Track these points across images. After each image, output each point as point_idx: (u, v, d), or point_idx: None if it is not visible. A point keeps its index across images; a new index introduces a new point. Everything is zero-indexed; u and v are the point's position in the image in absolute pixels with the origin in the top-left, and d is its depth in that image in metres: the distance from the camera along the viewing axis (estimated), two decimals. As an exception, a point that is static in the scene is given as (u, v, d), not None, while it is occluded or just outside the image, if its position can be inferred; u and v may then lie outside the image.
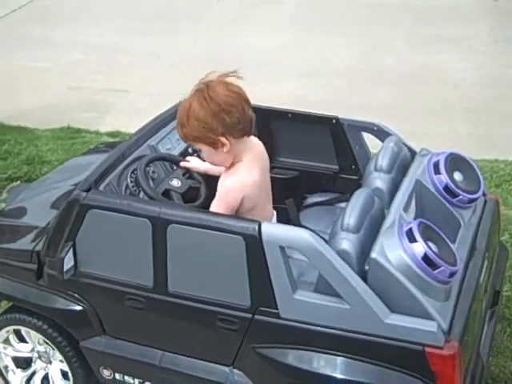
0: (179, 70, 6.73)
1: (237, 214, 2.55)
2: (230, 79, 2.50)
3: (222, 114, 2.44)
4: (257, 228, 2.35)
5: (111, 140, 5.16)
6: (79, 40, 7.59)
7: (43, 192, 3.35)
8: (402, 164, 2.81)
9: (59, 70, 6.93)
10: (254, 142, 2.69)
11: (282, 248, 2.35)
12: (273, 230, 2.37)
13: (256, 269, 2.38)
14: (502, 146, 5.02)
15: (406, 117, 5.27)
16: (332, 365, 2.39)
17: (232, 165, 2.55)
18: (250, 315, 2.46)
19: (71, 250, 2.64)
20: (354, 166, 3.17)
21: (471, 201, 2.71)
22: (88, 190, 2.61)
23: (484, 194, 2.90)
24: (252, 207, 2.57)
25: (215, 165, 2.63)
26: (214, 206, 2.55)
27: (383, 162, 2.73)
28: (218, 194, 2.56)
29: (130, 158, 2.87)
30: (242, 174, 2.52)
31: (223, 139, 2.47)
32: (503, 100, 5.84)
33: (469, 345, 2.43)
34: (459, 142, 4.73)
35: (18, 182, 4.66)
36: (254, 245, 2.36)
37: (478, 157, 4.68)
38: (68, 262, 2.64)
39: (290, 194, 3.18)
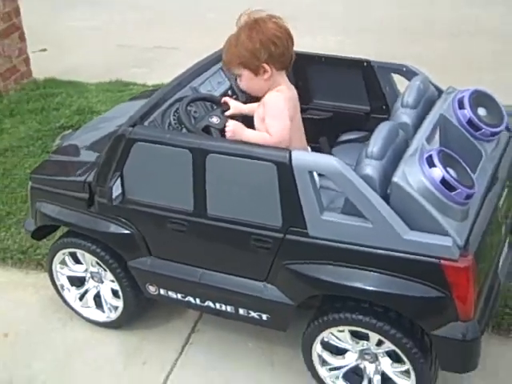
0: (227, 27, 6.94)
1: None
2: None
3: (270, 43, 2.71)
4: (288, 155, 2.57)
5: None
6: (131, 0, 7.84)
7: (91, 133, 3.62)
8: (427, 101, 2.97)
9: (108, 29, 7.24)
10: (289, 82, 2.90)
11: (310, 173, 2.56)
12: (302, 157, 2.58)
13: (287, 192, 2.61)
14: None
15: (454, 70, 5.35)
16: (356, 277, 2.61)
17: (267, 94, 2.78)
18: (281, 235, 2.69)
19: (119, 179, 2.90)
20: (384, 107, 3.34)
21: (493, 134, 2.87)
22: (134, 126, 2.86)
23: (509, 130, 3.05)
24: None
25: (251, 91, 2.86)
26: (271, 124, 2.68)
27: (409, 98, 2.90)
28: (268, 112, 2.72)
29: (173, 99, 3.10)
30: (283, 91, 2.76)
31: (266, 66, 2.72)
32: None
33: (484, 262, 2.62)
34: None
35: (70, 130, 4.98)
36: (285, 170, 2.57)
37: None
38: (116, 191, 2.92)
39: (324, 134, 3.39)
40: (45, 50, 6.70)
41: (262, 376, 3.15)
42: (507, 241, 3.03)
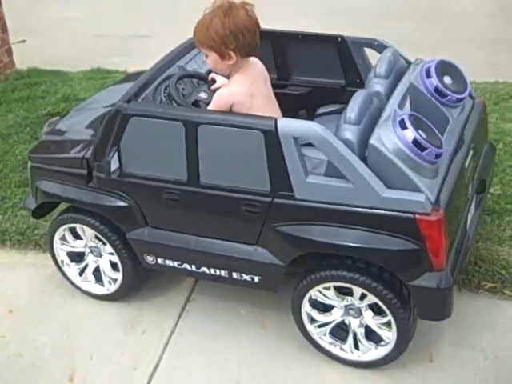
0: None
1: None
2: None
3: (239, 33, 2.89)
4: (273, 123, 2.79)
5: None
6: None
7: (84, 114, 3.81)
8: (398, 71, 3.21)
9: (86, 20, 7.37)
10: (254, 61, 3.13)
11: (295, 139, 2.79)
12: (287, 124, 2.80)
13: (274, 158, 2.83)
14: (502, 71, 5.40)
15: (423, 49, 5.60)
16: (340, 235, 2.84)
17: (231, 75, 3.03)
18: (270, 199, 2.91)
19: (116, 154, 3.10)
20: (358, 80, 3.57)
21: (459, 100, 3.11)
22: (128, 102, 3.06)
23: (472, 98, 3.31)
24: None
25: (216, 71, 3.11)
26: (212, 101, 3.00)
27: (381, 68, 3.13)
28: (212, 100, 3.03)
29: (162, 77, 3.31)
30: (234, 86, 3.00)
31: (232, 53, 2.93)
32: (506, 30, 6.18)
33: (454, 216, 2.87)
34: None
35: (57, 117, 5.12)
36: (272, 137, 2.79)
37: (481, 80, 5.08)
38: (113, 165, 3.12)
39: (303, 107, 3.61)
40: (23, 41, 6.83)
41: (255, 338, 3.38)
42: (474, 200, 3.29)
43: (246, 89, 3.00)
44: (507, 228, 3.74)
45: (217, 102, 3.00)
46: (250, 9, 2.95)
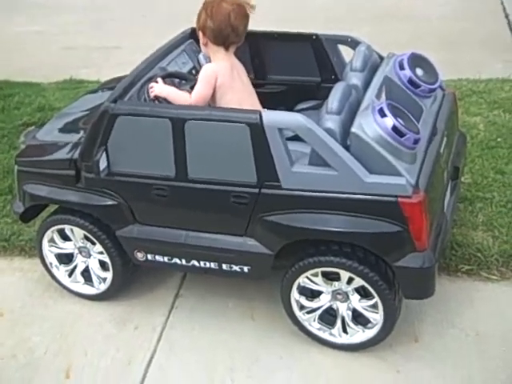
0: (165, 25, 7.22)
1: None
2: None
3: (216, 23, 3.19)
4: (258, 116, 2.91)
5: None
6: (68, 3, 8.02)
7: (66, 119, 3.86)
8: (372, 65, 3.37)
9: (53, 33, 7.41)
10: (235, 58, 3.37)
11: (280, 130, 2.91)
12: (271, 116, 2.92)
13: (260, 150, 2.94)
14: (463, 69, 5.64)
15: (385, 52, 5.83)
16: (327, 221, 2.96)
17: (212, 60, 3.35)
18: (257, 189, 3.02)
19: (104, 153, 3.18)
20: (333, 76, 3.71)
21: (431, 90, 3.28)
22: (115, 102, 3.14)
23: (443, 89, 3.48)
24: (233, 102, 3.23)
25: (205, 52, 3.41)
26: (196, 88, 3.23)
27: (357, 62, 3.29)
28: (198, 78, 3.27)
29: (145, 77, 3.40)
30: (217, 63, 3.30)
31: (201, 33, 3.27)
32: (466, 32, 6.45)
33: (433, 199, 3.02)
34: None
35: (33, 126, 5.18)
36: (257, 130, 2.90)
37: (445, 78, 5.28)
38: (102, 164, 3.18)
39: (281, 105, 3.73)
40: (-8, 54, 6.83)
41: (245, 329, 3.47)
42: (449, 186, 3.46)
43: (228, 66, 3.28)
44: (479, 214, 3.93)
45: (204, 74, 3.23)
46: (236, 6, 3.19)
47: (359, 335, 3.24)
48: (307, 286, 3.22)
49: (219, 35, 3.23)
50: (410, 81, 3.23)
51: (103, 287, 3.63)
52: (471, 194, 4.05)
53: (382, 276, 3.05)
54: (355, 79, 3.24)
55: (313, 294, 3.27)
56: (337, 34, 3.64)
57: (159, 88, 3.28)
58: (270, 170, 2.96)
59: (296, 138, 2.98)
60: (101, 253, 3.51)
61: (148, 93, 3.33)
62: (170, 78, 3.42)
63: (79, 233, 3.50)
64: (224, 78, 3.25)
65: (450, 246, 3.69)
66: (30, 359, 3.38)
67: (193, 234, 3.25)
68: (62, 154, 3.42)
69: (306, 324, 3.32)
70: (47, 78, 6.19)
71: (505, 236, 3.75)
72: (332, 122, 2.90)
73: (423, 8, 7.11)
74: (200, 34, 3.31)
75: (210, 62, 3.40)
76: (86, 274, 3.66)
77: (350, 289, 3.17)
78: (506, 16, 6.74)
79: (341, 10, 7.18)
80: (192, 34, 3.75)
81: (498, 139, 4.62)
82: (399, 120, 2.89)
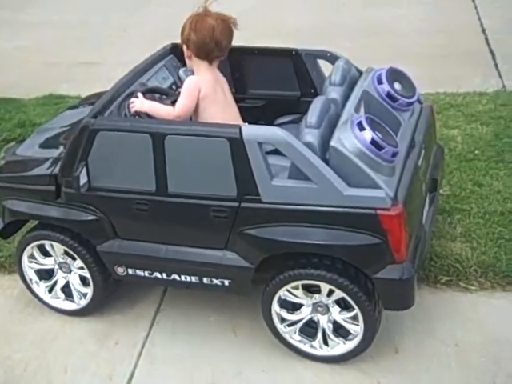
0: (146, 40, 7.25)
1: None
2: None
3: (197, 32, 3.26)
4: (238, 131, 2.93)
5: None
6: (49, 19, 8.02)
7: (46, 135, 3.86)
8: (351, 80, 3.41)
9: (33, 48, 7.38)
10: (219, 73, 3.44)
11: (259, 144, 2.93)
12: (251, 130, 2.95)
13: (240, 164, 2.96)
14: (441, 82, 5.72)
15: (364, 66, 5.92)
16: (306, 234, 2.98)
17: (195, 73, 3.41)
18: (237, 203, 3.04)
19: (84, 168, 3.18)
20: (312, 90, 3.75)
21: (409, 104, 3.33)
22: (95, 117, 3.15)
23: (420, 102, 3.53)
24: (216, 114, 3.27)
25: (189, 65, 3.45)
26: (179, 100, 3.27)
27: (336, 77, 3.33)
28: (181, 90, 3.32)
29: (125, 93, 3.41)
30: (200, 75, 3.36)
31: (185, 47, 3.33)
32: (445, 46, 6.55)
33: (412, 211, 3.05)
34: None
35: (14, 142, 5.14)
36: (237, 144, 2.93)
37: (423, 91, 5.36)
38: (82, 179, 3.18)
39: (261, 119, 3.76)
40: (-29, 71, 6.79)
41: (227, 343, 3.47)
42: (427, 198, 3.50)
43: (211, 79, 3.35)
44: (458, 225, 3.97)
45: (187, 86, 3.30)
46: (220, 22, 3.26)
47: (340, 347, 3.25)
48: (288, 298, 3.24)
49: (203, 49, 3.28)
50: (388, 95, 3.27)
51: (84, 303, 3.61)
52: (450, 205, 4.10)
53: (362, 288, 3.07)
54: (334, 93, 3.27)
55: (294, 307, 3.28)
56: (316, 48, 3.68)
57: (140, 103, 3.30)
58: (249, 183, 2.98)
59: (276, 152, 3.01)
60: (81, 268, 3.50)
61: (129, 108, 3.35)
62: (150, 93, 3.44)
63: (59, 248, 3.49)
64: (207, 91, 3.29)
65: (429, 258, 3.73)
66: (10, 377, 3.35)
67: (173, 248, 3.25)
68: (42, 170, 3.42)
69: (286, 336, 3.33)
70: (27, 93, 6.17)
71: (483, 247, 3.80)
72: (311, 136, 2.93)
73: (404, 23, 7.21)
74: (184, 48, 3.36)
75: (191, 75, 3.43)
76: (67, 290, 3.64)
77: (330, 301, 3.18)
78: (483, 31, 6.85)
79: (321, 25, 7.25)
80: (172, 50, 3.78)
81: (476, 152, 4.68)
82: (377, 133, 2.93)
